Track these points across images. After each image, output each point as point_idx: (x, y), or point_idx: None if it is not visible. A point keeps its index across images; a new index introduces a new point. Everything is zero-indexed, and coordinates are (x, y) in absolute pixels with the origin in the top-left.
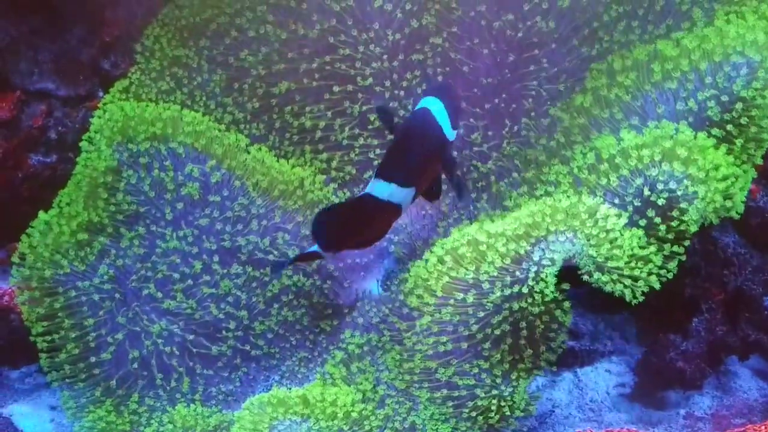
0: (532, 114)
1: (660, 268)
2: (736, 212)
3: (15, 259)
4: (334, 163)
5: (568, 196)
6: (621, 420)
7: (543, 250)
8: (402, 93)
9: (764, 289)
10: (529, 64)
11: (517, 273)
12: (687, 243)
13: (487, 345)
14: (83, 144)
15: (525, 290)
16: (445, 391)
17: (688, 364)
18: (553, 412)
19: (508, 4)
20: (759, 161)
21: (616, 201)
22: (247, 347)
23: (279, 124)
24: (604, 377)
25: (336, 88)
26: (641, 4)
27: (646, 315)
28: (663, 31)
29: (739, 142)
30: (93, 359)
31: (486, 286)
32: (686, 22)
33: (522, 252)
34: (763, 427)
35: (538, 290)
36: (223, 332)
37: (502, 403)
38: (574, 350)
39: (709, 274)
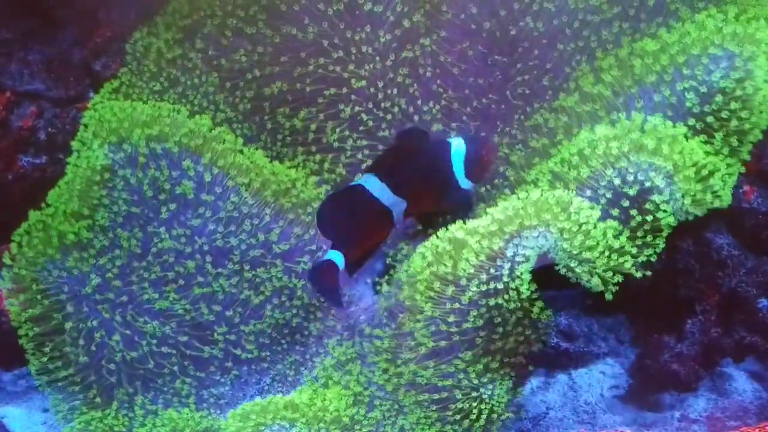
0: (523, 115)
1: (636, 257)
2: (721, 203)
3: (6, 260)
4: (326, 165)
5: (542, 190)
6: (615, 422)
7: (516, 245)
8: (395, 91)
9: (759, 291)
10: (519, 65)
11: (492, 270)
12: (666, 233)
13: (464, 345)
14: (75, 144)
15: (500, 287)
16: (428, 395)
17: (683, 366)
18: (547, 414)
19: (497, 6)
20: (745, 156)
21: (589, 193)
22: (239, 350)
23: (271, 125)
24: (599, 379)
25: (328, 91)
26: (632, 4)
27: (641, 316)
28: (653, 30)
29: (719, 135)
30: (85, 360)
31: (463, 282)
32: (674, 20)
33: (496, 248)
34: (757, 430)
35: (513, 287)
36: (215, 334)
37: (482, 405)
38: (569, 352)
39: (703, 276)
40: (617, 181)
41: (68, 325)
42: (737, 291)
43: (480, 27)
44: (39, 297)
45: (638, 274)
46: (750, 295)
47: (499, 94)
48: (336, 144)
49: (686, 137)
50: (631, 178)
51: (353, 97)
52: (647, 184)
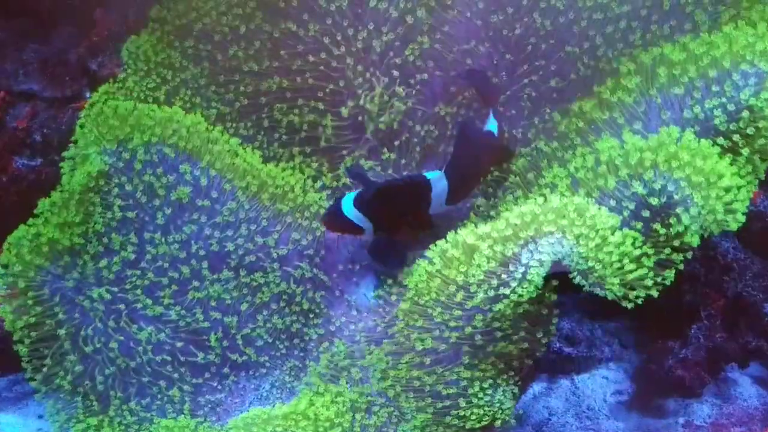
0: (530, 116)
1: (654, 273)
2: (737, 223)
3: None
4: (324, 166)
5: (561, 196)
6: (618, 428)
7: (531, 251)
8: (399, 90)
9: (765, 296)
10: (525, 65)
11: (504, 275)
12: (689, 254)
13: (470, 350)
14: (70, 151)
15: (510, 292)
16: (430, 400)
17: (687, 371)
18: (550, 420)
19: (504, 3)
20: (762, 174)
21: (612, 203)
22: (236, 356)
23: (268, 124)
24: (602, 384)
25: (328, 88)
26: (644, 4)
27: (645, 321)
28: (666, 32)
29: (745, 152)
30: (80, 369)
31: (473, 288)
32: (689, 24)
33: (509, 254)
34: None
35: (523, 292)
36: (212, 340)
37: (485, 411)
38: (571, 357)
39: (709, 280)
40: (642, 191)
41: (62, 332)
42: (743, 295)
43: (486, 25)
44: (33, 304)
45: (655, 293)
46: (756, 299)
47: (507, 94)
48: (336, 144)
49: (719, 156)
50: (658, 189)
51: (354, 95)
52: (675, 198)
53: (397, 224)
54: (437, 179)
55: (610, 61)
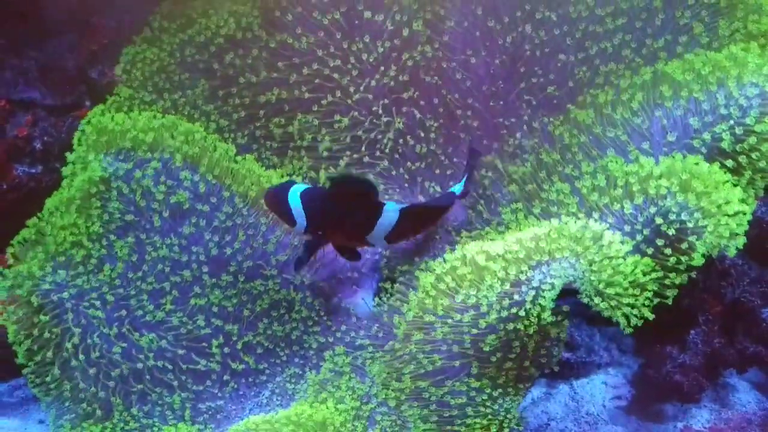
0: (530, 125)
1: (657, 296)
2: (736, 250)
3: (1, 272)
4: (321, 176)
5: (576, 220)
6: None
7: (544, 273)
8: (394, 101)
9: (762, 301)
10: (522, 74)
11: (515, 296)
12: (693, 275)
13: (479, 365)
14: (71, 156)
15: (521, 313)
16: (435, 409)
17: (686, 377)
18: (549, 425)
19: (500, 15)
20: (761, 193)
21: (627, 228)
22: (236, 363)
23: (265, 134)
24: (601, 389)
25: (324, 100)
26: (638, 16)
27: (643, 326)
28: (661, 44)
29: (747, 174)
30: (83, 375)
31: (484, 309)
32: (684, 36)
33: (522, 277)
34: None
35: (534, 313)
36: (213, 347)
37: (493, 421)
38: (570, 362)
39: (707, 286)
40: (658, 219)
41: (64, 340)
42: (741, 301)
43: (482, 35)
44: (34, 312)
45: (651, 317)
46: (754, 305)
47: (504, 104)
48: (334, 155)
49: (732, 184)
50: (673, 217)
51: (350, 105)
52: (688, 225)
53: (332, 235)
54: (390, 210)
55: (608, 72)
